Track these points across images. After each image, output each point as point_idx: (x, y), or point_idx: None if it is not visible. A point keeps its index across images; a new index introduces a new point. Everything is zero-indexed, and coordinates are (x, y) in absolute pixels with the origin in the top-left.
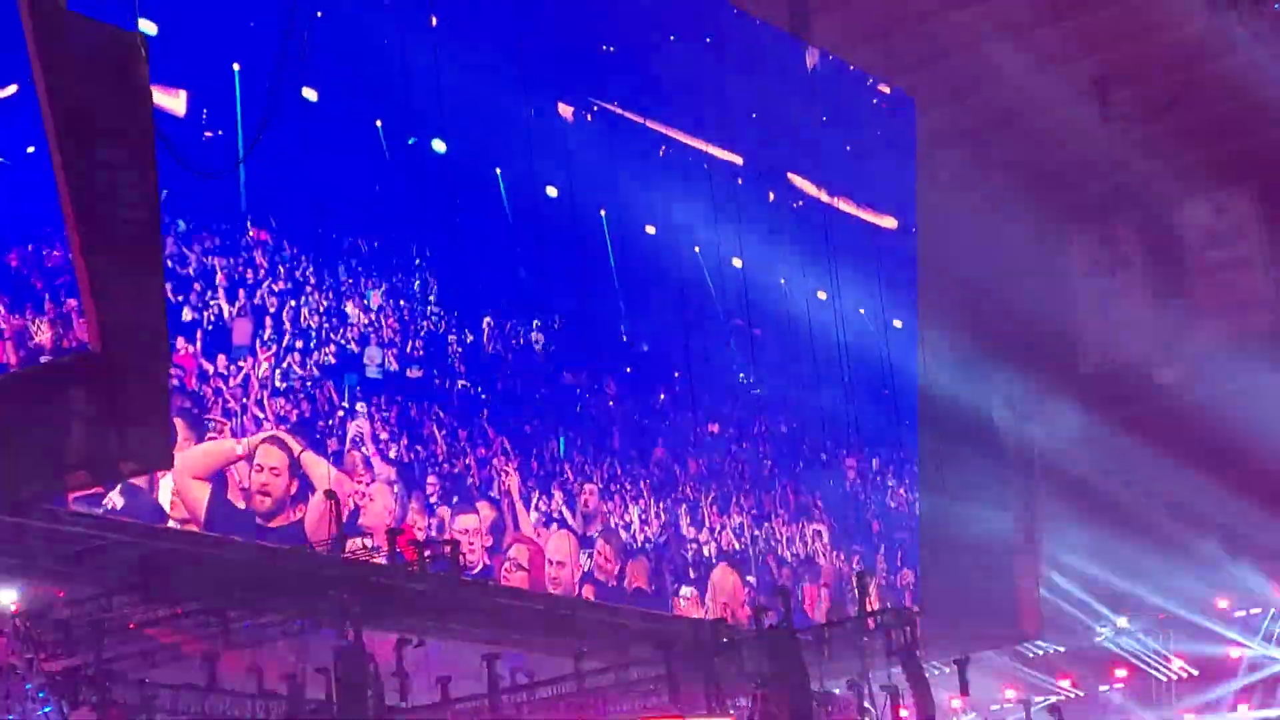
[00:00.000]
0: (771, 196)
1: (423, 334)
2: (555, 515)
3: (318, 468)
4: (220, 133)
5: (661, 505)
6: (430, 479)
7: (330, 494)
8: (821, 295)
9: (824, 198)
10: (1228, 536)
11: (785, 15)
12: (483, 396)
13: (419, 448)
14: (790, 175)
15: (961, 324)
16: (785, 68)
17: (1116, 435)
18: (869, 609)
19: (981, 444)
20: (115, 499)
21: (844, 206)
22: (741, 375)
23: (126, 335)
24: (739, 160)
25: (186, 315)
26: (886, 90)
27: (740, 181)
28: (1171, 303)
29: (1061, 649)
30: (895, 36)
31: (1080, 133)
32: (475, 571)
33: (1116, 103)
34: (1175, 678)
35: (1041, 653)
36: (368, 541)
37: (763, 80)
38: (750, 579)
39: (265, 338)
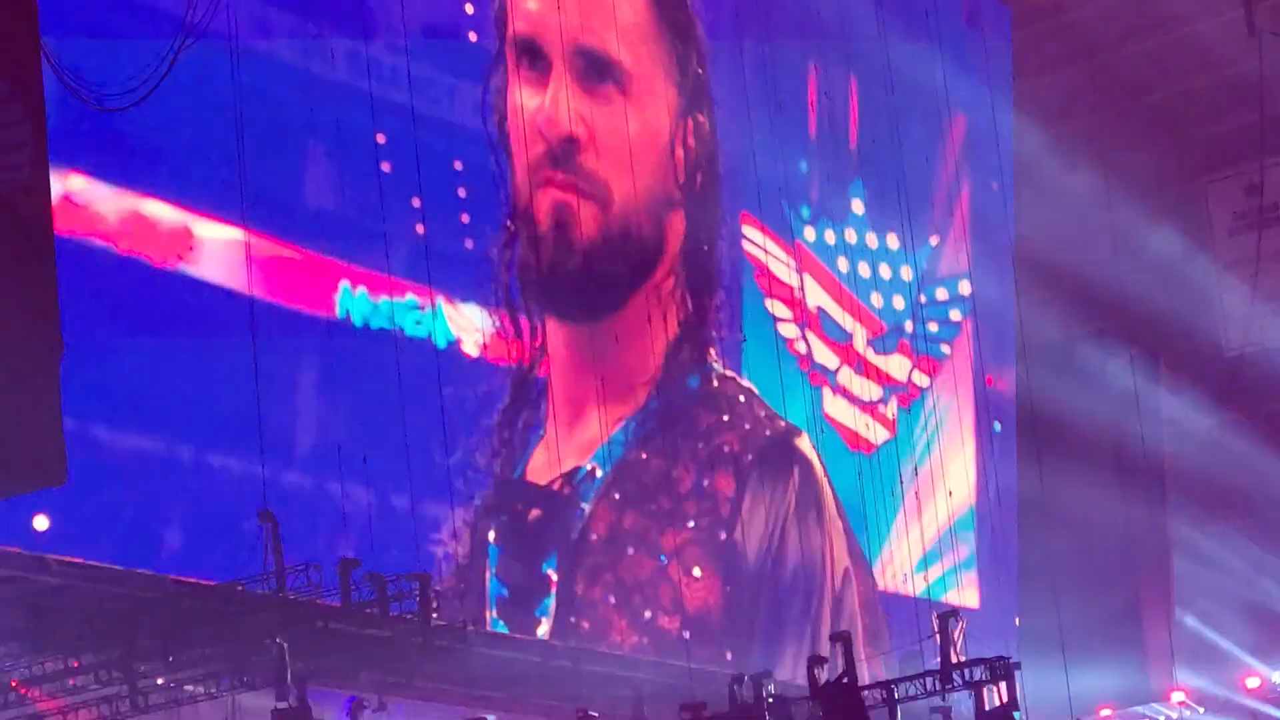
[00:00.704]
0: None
1: None
2: None
3: None
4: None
5: None
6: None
7: (266, 514)
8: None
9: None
10: None
11: None
12: None
13: None
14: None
15: (1067, 296)
16: None
17: (1268, 436)
18: (954, 658)
19: (1094, 444)
20: (40, 519)
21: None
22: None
23: (6, 315)
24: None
25: None
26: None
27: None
28: None
29: (1200, 710)
30: None
31: (1221, 50)
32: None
33: (1268, 10)
34: None
35: (1174, 715)
36: (314, 575)
37: None
38: None
39: None
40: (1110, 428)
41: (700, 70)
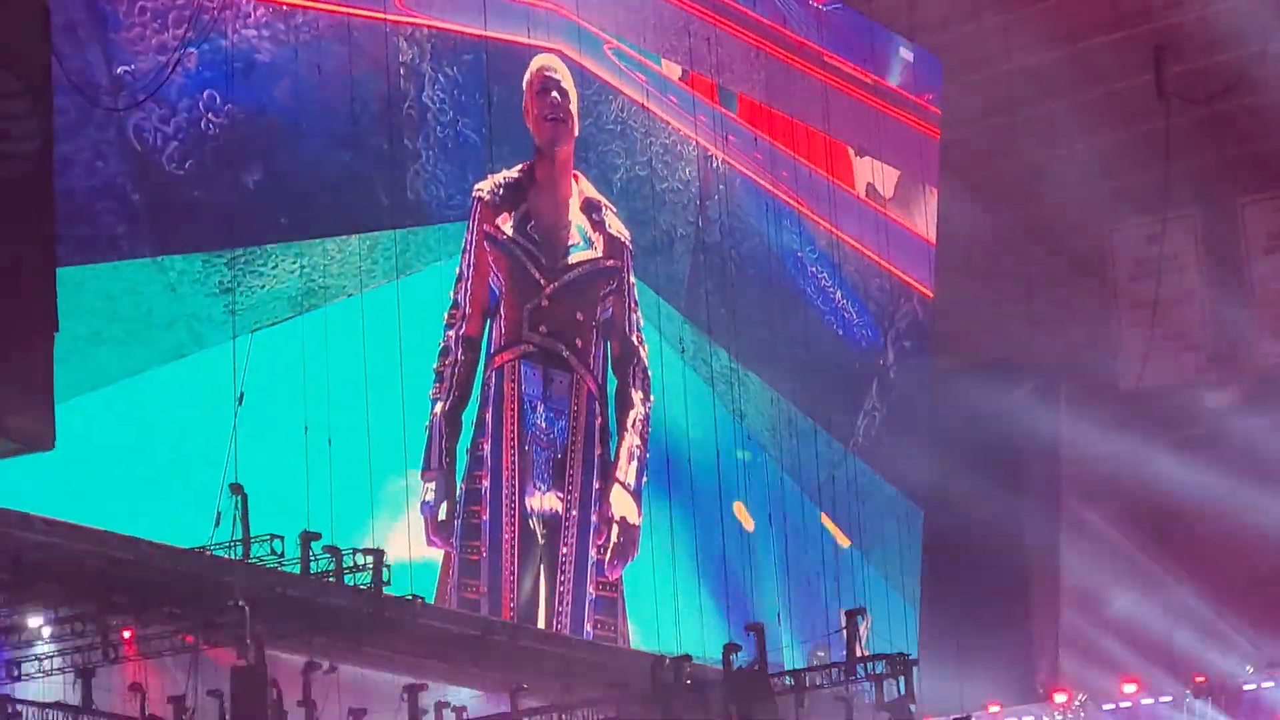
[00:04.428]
0: None
1: None
2: None
3: None
4: (133, 66)
5: None
6: None
7: (237, 487)
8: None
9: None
10: None
11: None
12: None
13: None
14: None
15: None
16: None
17: (1157, 461)
18: (859, 653)
19: (998, 461)
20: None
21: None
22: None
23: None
24: None
25: None
26: (909, 56)
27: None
28: (1227, 315)
29: (1081, 714)
30: None
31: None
32: None
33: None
34: None
35: (1059, 716)
36: (277, 545)
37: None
38: None
39: None
40: (1013, 444)
41: None
